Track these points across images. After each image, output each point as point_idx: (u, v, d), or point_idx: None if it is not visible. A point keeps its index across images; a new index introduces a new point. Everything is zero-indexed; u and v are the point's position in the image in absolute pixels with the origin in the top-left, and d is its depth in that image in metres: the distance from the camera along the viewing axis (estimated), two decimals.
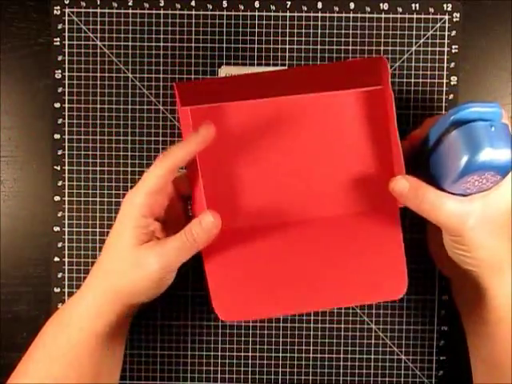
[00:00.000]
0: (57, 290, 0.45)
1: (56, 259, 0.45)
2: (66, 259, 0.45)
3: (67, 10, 0.44)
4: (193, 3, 0.44)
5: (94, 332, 0.35)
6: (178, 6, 0.44)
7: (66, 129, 0.44)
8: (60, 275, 0.45)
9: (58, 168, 0.44)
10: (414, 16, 0.43)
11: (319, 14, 0.44)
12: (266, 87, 0.35)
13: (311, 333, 0.45)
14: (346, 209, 0.38)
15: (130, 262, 0.35)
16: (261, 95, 0.35)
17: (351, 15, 0.44)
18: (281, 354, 0.45)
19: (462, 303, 0.40)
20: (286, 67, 0.44)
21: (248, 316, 0.40)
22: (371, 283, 0.37)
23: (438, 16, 0.44)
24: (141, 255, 0.35)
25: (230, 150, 0.38)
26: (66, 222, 0.45)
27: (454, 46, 0.44)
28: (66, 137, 0.44)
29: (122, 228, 0.35)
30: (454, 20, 0.44)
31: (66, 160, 0.44)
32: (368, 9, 0.44)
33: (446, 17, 0.44)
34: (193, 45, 0.44)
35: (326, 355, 0.45)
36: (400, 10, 0.43)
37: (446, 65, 0.44)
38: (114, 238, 0.36)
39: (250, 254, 0.38)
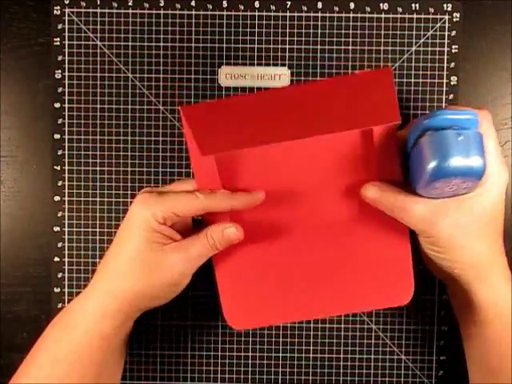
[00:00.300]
0: (57, 289, 0.45)
1: (56, 259, 0.45)
2: (66, 259, 0.45)
3: (67, 10, 0.44)
4: (193, 3, 0.44)
5: (98, 333, 0.35)
6: (178, 5, 0.44)
7: (66, 129, 0.44)
8: (60, 275, 0.45)
9: (58, 168, 0.44)
10: (414, 16, 0.43)
11: (319, 14, 0.44)
12: (273, 116, 0.35)
13: (311, 333, 0.45)
14: (354, 216, 0.38)
15: (146, 264, 0.34)
16: (270, 130, 0.35)
17: (351, 15, 0.44)
18: (281, 354, 0.45)
19: (455, 306, 0.40)
20: (288, 69, 0.44)
21: (258, 324, 0.40)
22: (378, 289, 0.38)
23: (438, 16, 0.44)
24: (161, 257, 0.34)
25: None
26: (66, 221, 0.45)
27: (453, 46, 0.44)
28: (66, 137, 0.44)
29: (132, 229, 0.35)
30: (454, 20, 0.44)
31: (66, 160, 0.44)
32: (368, 9, 0.44)
33: (446, 17, 0.44)
34: (193, 45, 0.44)
35: (326, 355, 0.45)
36: (400, 9, 0.44)
37: (445, 65, 0.44)
38: (123, 239, 0.35)
39: (259, 263, 0.38)
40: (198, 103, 0.43)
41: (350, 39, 0.44)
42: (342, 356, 0.45)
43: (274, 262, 0.38)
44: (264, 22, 0.44)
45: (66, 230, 0.45)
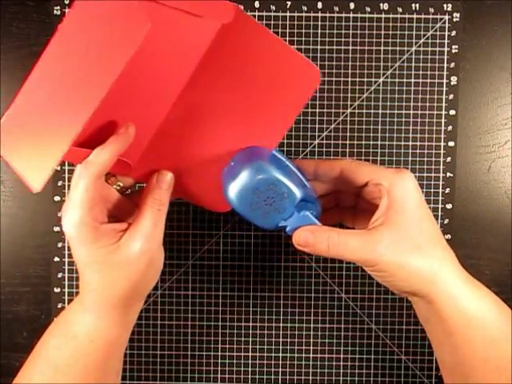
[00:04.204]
0: (57, 290, 0.45)
1: (56, 259, 0.45)
2: (66, 259, 0.45)
3: (67, 10, 0.44)
4: None
5: (104, 341, 0.34)
6: None
7: None
8: (60, 275, 0.45)
9: (58, 168, 0.44)
10: (414, 16, 0.44)
11: (319, 14, 0.44)
12: None
13: (311, 333, 0.45)
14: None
15: (120, 264, 0.33)
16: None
17: (351, 15, 0.44)
18: (281, 354, 0.45)
19: (420, 317, 0.38)
20: None
21: None
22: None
23: (438, 16, 0.44)
24: (124, 253, 0.33)
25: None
26: None
27: (454, 46, 0.44)
28: None
29: (85, 249, 0.33)
30: (454, 20, 0.44)
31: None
32: (368, 9, 0.44)
33: (446, 17, 0.44)
34: None
35: (326, 355, 0.45)
36: (400, 10, 0.44)
37: (445, 65, 0.44)
38: (87, 259, 0.33)
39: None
40: None
41: (350, 39, 0.44)
42: (342, 356, 0.45)
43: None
44: (264, 22, 0.44)
45: None
